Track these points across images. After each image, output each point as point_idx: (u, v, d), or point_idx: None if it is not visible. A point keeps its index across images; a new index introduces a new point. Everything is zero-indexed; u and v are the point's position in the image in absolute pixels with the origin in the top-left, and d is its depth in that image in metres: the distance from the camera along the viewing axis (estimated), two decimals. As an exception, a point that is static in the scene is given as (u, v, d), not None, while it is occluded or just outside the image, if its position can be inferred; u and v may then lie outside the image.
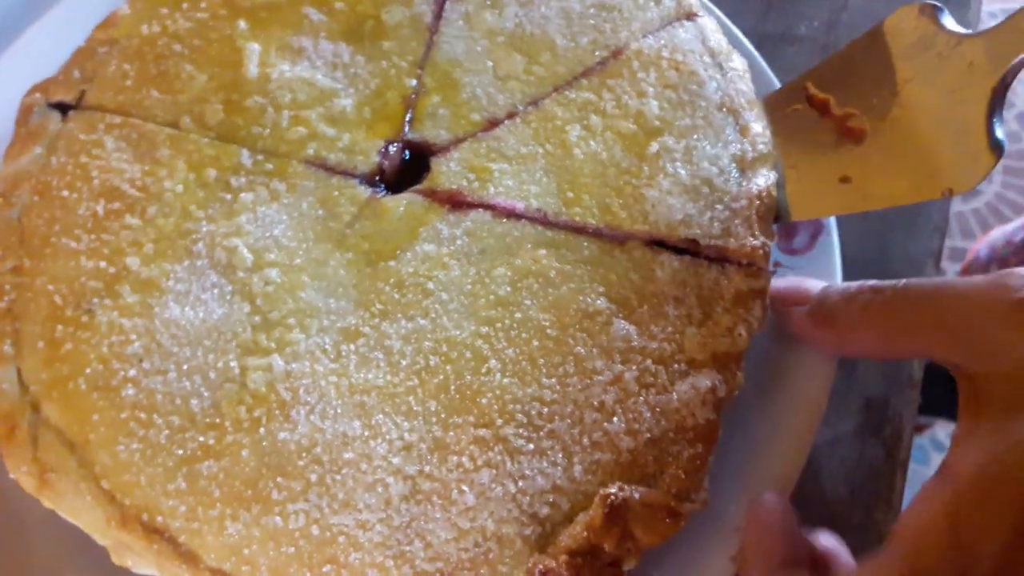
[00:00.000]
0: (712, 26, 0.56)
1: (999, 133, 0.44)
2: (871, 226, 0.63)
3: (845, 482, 0.56)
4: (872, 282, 0.44)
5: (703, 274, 0.47)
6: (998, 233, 1.10)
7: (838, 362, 0.49)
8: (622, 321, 0.46)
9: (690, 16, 0.56)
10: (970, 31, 0.47)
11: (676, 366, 0.45)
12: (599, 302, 0.46)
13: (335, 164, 0.51)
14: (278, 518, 0.41)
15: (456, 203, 0.49)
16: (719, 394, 0.44)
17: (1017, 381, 0.36)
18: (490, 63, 0.54)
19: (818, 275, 0.51)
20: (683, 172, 0.50)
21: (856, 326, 0.44)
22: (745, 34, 0.60)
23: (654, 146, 0.50)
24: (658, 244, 0.48)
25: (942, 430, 1.75)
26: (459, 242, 0.48)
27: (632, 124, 0.51)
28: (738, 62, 0.54)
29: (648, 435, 0.43)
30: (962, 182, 0.45)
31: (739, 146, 0.50)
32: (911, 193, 0.47)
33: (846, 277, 0.53)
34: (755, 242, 0.47)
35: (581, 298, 0.46)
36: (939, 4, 0.48)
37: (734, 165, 0.50)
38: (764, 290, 0.47)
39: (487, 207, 0.49)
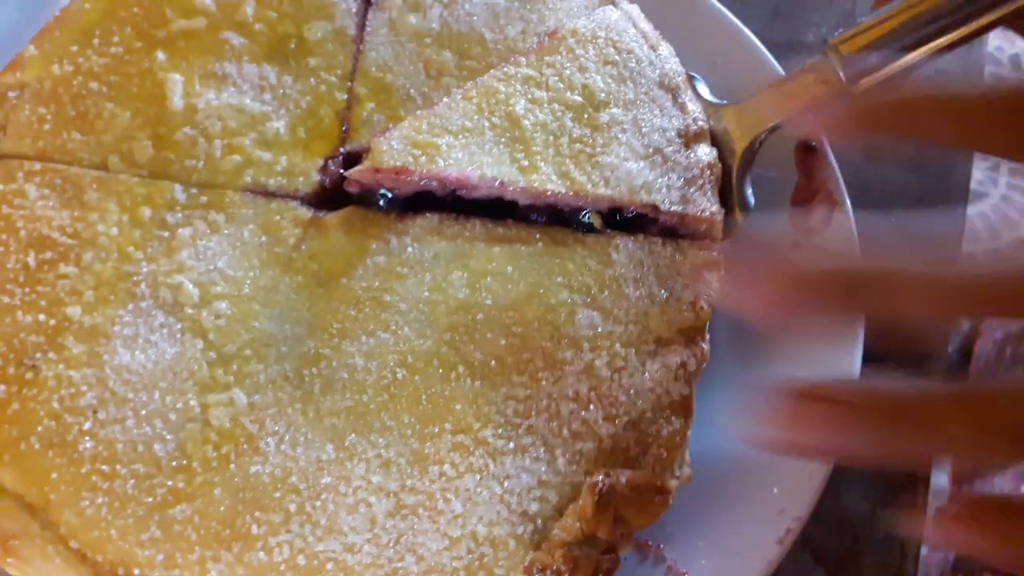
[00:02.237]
0: (637, 12, 0.56)
1: (748, 194, 0.52)
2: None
3: (865, 496, 0.55)
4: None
5: (659, 252, 0.47)
6: None
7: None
8: (586, 309, 0.46)
9: (613, 2, 0.57)
10: (725, 101, 0.54)
11: (645, 347, 0.45)
12: (561, 294, 0.46)
13: (275, 189, 0.49)
14: (261, 553, 0.39)
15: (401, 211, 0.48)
16: (689, 368, 0.44)
17: None
18: (420, 64, 0.53)
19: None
20: (635, 142, 0.50)
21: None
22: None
23: (604, 116, 0.50)
24: (616, 214, 0.48)
25: None
26: (410, 250, 0.47)
27: (578, 96, 0.51)
28: (666, 48, 0.55)
29: (626, 418, 0.43)
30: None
31: (681, 121, 0.51)
32: None
33: None
34: (713, 208, 0.48)
35: (542, 292, 0.46)
36: (695, 75, 0.55)
37: (679, 139, 0.50)
38: (719, 261, 0.48)
39: (439, 179, 0.47)
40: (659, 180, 0.49)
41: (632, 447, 0.43)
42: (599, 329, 0.45)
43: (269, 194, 0.49)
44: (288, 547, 0.40)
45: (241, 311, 0.45)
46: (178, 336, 0.45)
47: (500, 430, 0.43)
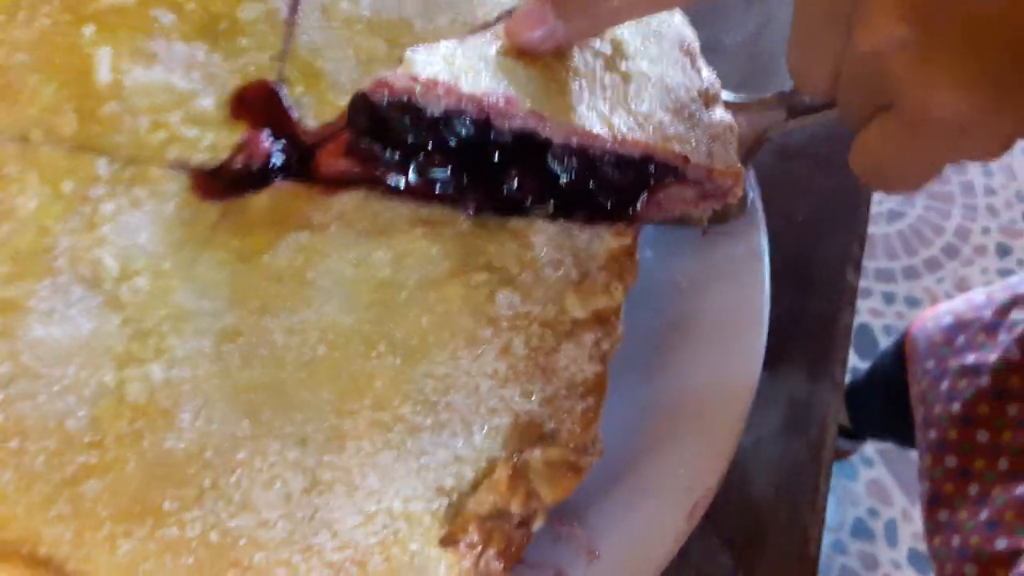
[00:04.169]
0: None
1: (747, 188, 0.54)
2: (793, 232, 0.65)
3: (770, 482, 0.57)
4: None
5: (577, 236, 0.48)
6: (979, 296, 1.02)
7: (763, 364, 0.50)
8: (506, 290, 0.47)
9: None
10: (731, 95, 0.54)
11: (561, 326, 0.46)
12: (482, 275, 0.47)
13: (200, 164, 0.49)
14: (174, 528, 0.39)
15: (333, 182, 0.48)
16: (603, 348, 0.45)
17: None
18: (351, 50, 0.53)
19: (745, 236, 0.54)
20: (664, 96, 0.50)
21: None
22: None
23: (633, 67, 0.50)
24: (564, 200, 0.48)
25: (870, 446, 1.81)
26: (333, 228, 0.47)
27: (608, 47, 0.50)
28: (679, 15, 0.55)
29: (542, 395, 0.44)
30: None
31: (700, 83, 0.52)
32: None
33: (772, 279, 0.54)
34: (737, 165, 0.49)
35: (464, 272, 0.47)
36: None
37: (700, 98, 0.51)
38: (634, 248, 0.49)
39: (477, 101, 0.45)
40: (688, 133, 0.49)
41: (547, 423, 0.44)
42: (518, 309, 0.46)
43: (193, 170, 0.49)
44: (201, 523, 0.40)
45: (160, 286, 0.45)
46: (96, 310, 0.44)
47: (419, 407, 0.43)
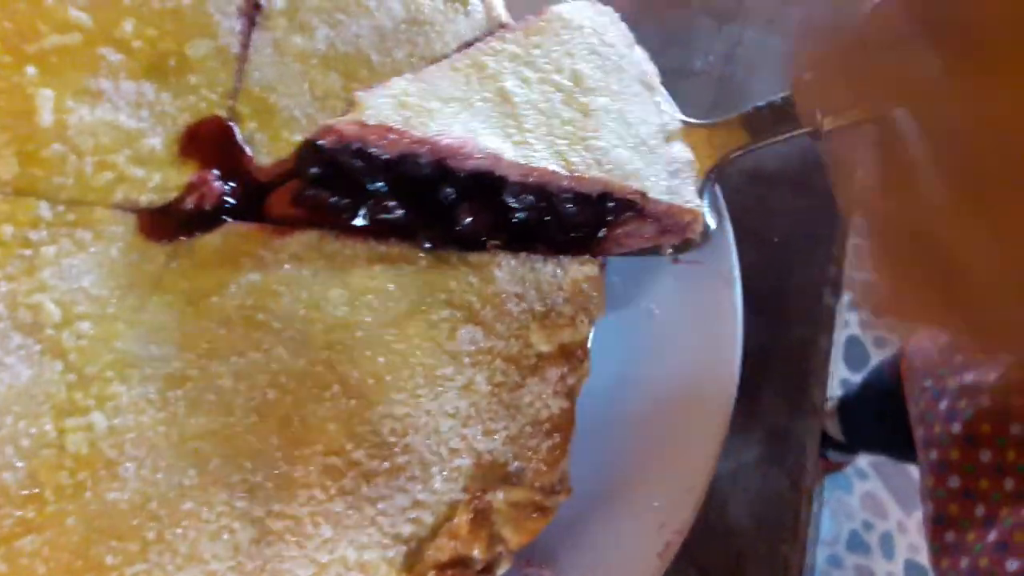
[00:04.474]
0: (613, 13, 0.57)
1: (708, 219, 0.52)
2: (772, 255, 0.65)
3: (749, 513, 0.56)
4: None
5: (540, 269, 0.47)
6: None
7: (738, 392, 0.49)
8: (468, 325, 0.45)
9: (503, 26, 0.57)
10: (693, 120, 0.54)
11: (525, 361, 0.44)
12: (443, 311, 0.46)
13: (147, 205, 0.48)
14: (115, 585, 0.37)
15: (283, 226, 0.47)
16: (569, 382, 0.44)
17: None
18: (306, 85, 0.53)
19: (716, 262, 0.53)
20: (623, 131, 0.49)
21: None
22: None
23: (592, 102, 0.49)
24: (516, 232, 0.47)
25: (864, 459, 1.80)
26: (286, 267, 0.46)
27: (567, 80, 0.50)
28: (640, 50, 0.55)
29: (505, 433, 0.43)
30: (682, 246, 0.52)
31: (659, 118, 0.51)
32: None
33: (747, 302, 0.53)
34: (696, 201, 0.48)
35: (423, 308, 0.45)
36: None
37: (661, 134, 0.50)
38: (600, 279, 0.48)
39: (430, 145, 0.44)
40: (647, 169, 0.48)
41: (511, 462, 0.42)
42: (480, 344, 0.45)
43: (140, 211, 0.47)
44: (145, 577, 0.38)
45: (104, 331, 0.43)
46: (36, 358, 0.42)
47: (375, 450, 0.41)
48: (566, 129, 0.48)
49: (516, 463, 0.42)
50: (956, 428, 0.89)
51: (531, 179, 0.45)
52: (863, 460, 1.81)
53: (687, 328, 0.53)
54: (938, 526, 0.89)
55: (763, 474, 0.57)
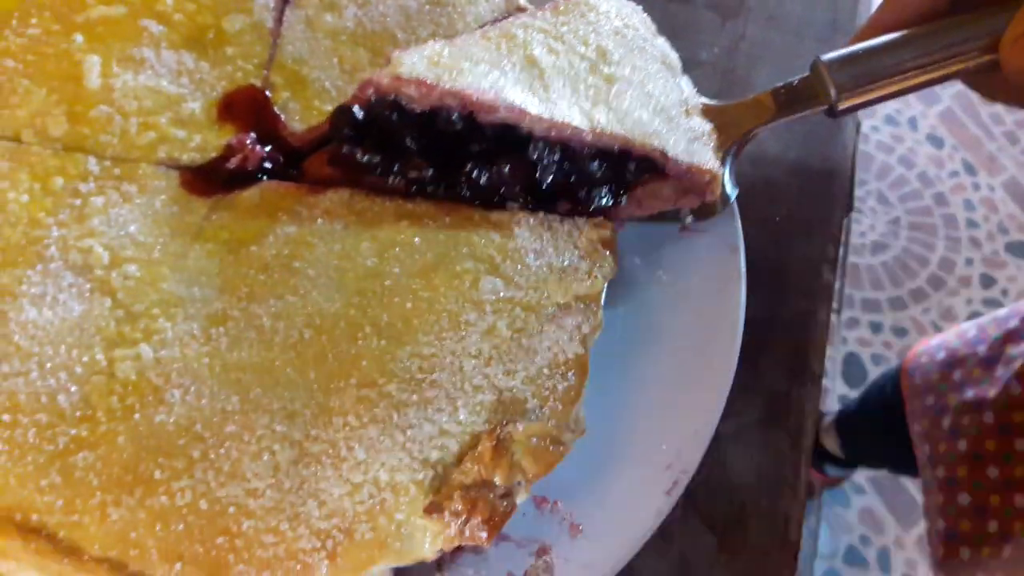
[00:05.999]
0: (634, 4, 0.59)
1: (728, 188, 0.55)
2: (773, 233, 0.68)
3: (751, 469, 0.59)
4: None
5: (558, 228, 0.50)
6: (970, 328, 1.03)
7: (741, 359, 0.52)
8: (489, 276, 0.48)
9: (520, 9, 0.61)
10: (714, 101, 0.56)
11: (544, 310, 0.48)
12: (466, 263, 0.49)
13: (188, 163, 0.51)
14: (163, 497, 0.40)
15: (318, 184, 0.50)
16: (584, 330, 0.47)
17: None
18: (336, 59, 0.56)
19: (721, 231, 0.56)
20: (644, 99, 0.52)
21: None
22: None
23: (616, 72, 0.52)
24: (539, 193, 0.50)
25: (861, 475, 1.84)
26: (320, 221, 0.49)
27: (592, 53, 0.52)
28: (662, 39, 0.58)
29: (524, 373, 0.45)
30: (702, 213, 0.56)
31: (679, 95, 0.54)
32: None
33: (750, 277, 0.55)
34: (715, 164, 0.51)
35: (448, 261, 0.48)
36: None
37: (682, 107, 0.53)
38: (612, 240, 0.51)
39: (461, 98, 0.47)
40: (667, 133, 0.51)
41: (530, 399, 0.45)
42: (501, 294, 0.48)
43: (181, 167, 0.50)
44: (191, 492, 0.40)
45: (150, 274, 0.46)
46: (87, 295, 0.45)
47: (404, 384, 0.44)
48: (590, 92, 0.51)
49: (534, 400, 0.45)
50: (962, 446, 0.91)
51: (554, 133, 0.48)
52: (861, 476, 1.83)
53: (695, 289, 0.56)
54: (951, 542, 0.90)
55: (764, 433, 0.60)
